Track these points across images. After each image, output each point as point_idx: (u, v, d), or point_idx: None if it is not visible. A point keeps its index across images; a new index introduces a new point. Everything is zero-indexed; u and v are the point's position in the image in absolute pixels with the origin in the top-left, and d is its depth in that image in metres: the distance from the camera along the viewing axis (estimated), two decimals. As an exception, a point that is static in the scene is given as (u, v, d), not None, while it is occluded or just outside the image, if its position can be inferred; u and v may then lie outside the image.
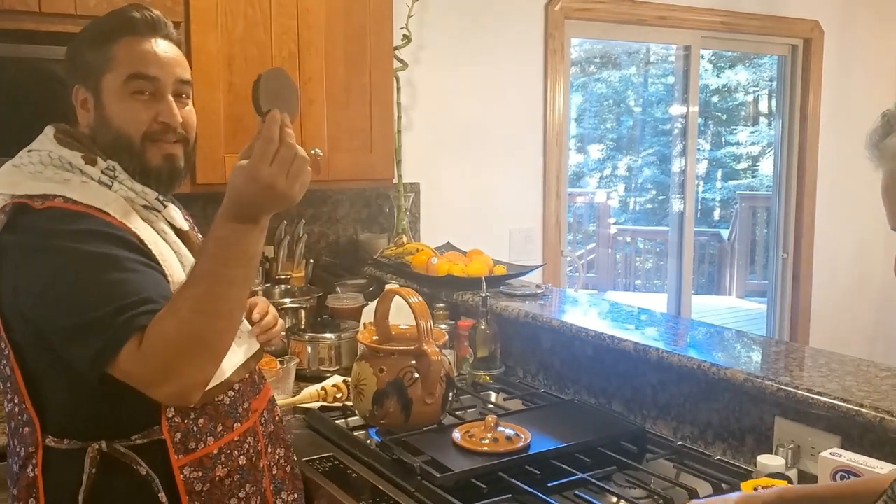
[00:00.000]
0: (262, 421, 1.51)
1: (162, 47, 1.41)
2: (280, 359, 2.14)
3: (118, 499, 1.33)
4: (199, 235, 1.53)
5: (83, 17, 2.07)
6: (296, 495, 1.58)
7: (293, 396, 2.08)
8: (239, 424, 1.44)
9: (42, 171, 1.34)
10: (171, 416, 1.34)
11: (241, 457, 1.44)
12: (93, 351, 1.20)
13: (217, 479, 1.40)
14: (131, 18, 1.40)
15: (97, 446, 1.32)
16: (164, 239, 1.39)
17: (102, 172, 1.37)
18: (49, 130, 1.41)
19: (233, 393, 1.43)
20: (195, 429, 1.37)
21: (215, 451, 1.40)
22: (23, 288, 1.28)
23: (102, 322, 1.20)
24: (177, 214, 1.46)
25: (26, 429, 1.34)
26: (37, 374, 1.33)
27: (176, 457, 1.35)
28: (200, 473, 1.37)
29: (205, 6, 2.25)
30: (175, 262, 1.36)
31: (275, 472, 1.53)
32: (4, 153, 1.51)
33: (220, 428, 1.41)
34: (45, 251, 1.26)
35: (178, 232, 1.44)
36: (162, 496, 1.33)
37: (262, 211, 1.24)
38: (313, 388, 2.07)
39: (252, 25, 2.33)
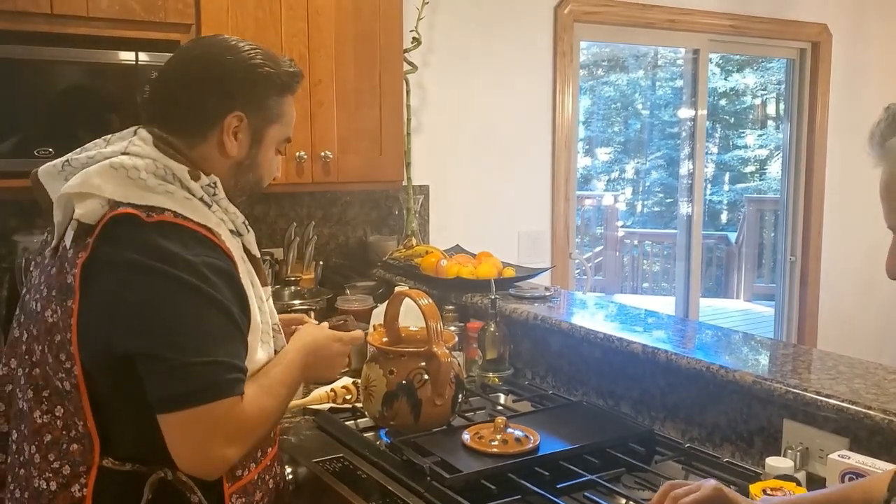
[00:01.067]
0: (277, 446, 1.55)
1: None
2: (290, 360, 2.14)
3: None
4: None
5: (95, 20, 2.09)
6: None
7: (303, 398, 2.08)
8: (270, 449, 1.48)
9: (146, 179, 1.29)
10: None
11: (270, 480, 1.47)
12: (181, 391, 1.20)
13: (255, 502, 1.42)
14: (301, 78, 1.48)
15: (161, 473, 1.28)
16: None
17: (203, 189, 1.35)
18: (146, 135, 1.35)
19: None
20: (242, 457, 1.36)
21: (255, 478, 1.41)
22: (123, 305, 1.23)
23: (204, 369, 1.21)
24: (253, 240, 1.45)
25: (75, 446, 1.28)
26: (108, 396, 1.27)
27: (228, 485, 1.35)
28: (244, 500, 1.39)
29: (215, 8, 2.26)
30: (253, 297, 1.35)
31: (272, 486, 1.54)
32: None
33: (259, 454, 1.43)
34: (160, 276, 1.22)
35: (251, 259, 1.42)
36: None
37: (307, 365, 1.46)
38: (323, 390, 2.08)
39: (262, 28, 2.34)
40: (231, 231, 1.38)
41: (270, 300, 1.47)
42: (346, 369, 2.04)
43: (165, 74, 1.43)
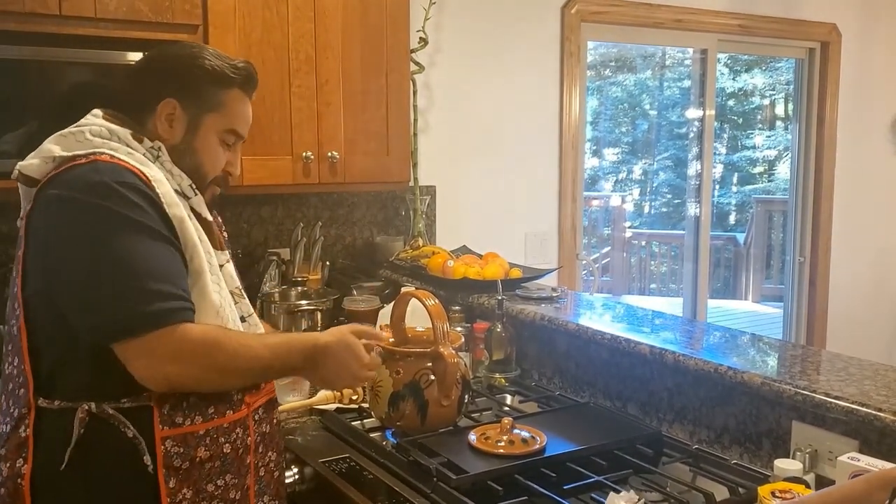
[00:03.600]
0: (257, 418, 1.52)
1: (250, 110, 1.59)
2: (296, 360, 2.14)
3: (104, 459, 1.36)
4: (225, 234, 1.62)
5: (103, 21, 2.10)
6: (277, 502, 1.59)
7: (309, 398, 2.09)
8: (231, 412, 1.46)
9: (91, 139, 1.41)
10: None
11: (227, 445, 1.45)
12: (119, 320, 1.29)
13: (198, 459, 1.40)
14: (250, 76, 1.57)
15: (87, 407, 1.34)
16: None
17: (147, 150, 1.45)
18: (97, 111, 1.48)
19: None
20: (185, 404, 1.39)
21: (201, 432, 1.41)
22: (55, 242, 1.33)
23: (138, 296, 1.29)
24: (203, 204, 1.52)
25: (21, 390, 1.38)
26: (38, 333, 1.37)
27: (160, 427, 1.37)
28: (182, 450, 1.39)
29: (223, 9, 2.26)
30: (196, 243, 1.43)
31: (262, 473, 1.53)
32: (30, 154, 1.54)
33: (210, 410, 1.43)
34: (87, 208, 1.32)
35: (202, 221, 1.49)
36: (147, 459, 1.36)
37: (316, 363, 1.49)
38: (329, 391, 2.08)
39: (269, 29, 2.34)
40: (176, 191, 1.45)
41: (230, 264, 1.55)
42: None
43: (131, 67, 1.61)
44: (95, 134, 1.42)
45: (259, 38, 2.33)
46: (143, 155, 1.43)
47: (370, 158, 2.55)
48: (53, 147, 1.41)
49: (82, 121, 1.46)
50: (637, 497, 1.42)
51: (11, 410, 1.39)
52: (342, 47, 2.46)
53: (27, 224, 1.38)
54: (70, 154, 1.39)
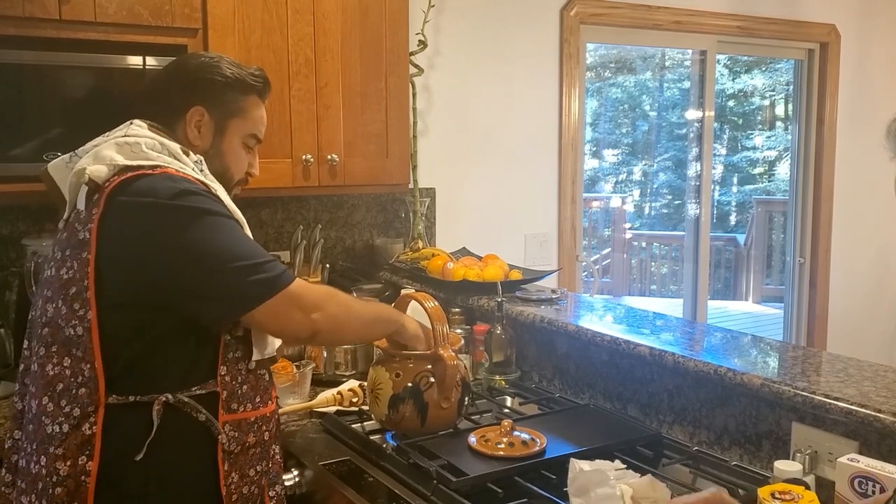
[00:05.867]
0: (276, 409, 1.64)
1: (265, 115, 1.73)
2: (296, 363, 2.15)
3: (181, 444, 1.44)
4: None
5: (103, 25, 2.10)
6: (283, 494, 1.67)
7: (309, 401, 2.09)
8: (270, 403, 1.59)
9: (147, 152, 1.49)
10: (223, 373, 1.48)
11: (266, 433, 1.56)
12: (250, 289, 1.42)
13: (246, 445, 1.51)
14: (266, 83, 1.71)
15: (164, 399, 1.42)
16: None
17: (194, 164, 1.54)
18: (141, 123, 1.56)
19: (268, 374, 1.59)
20: (239, 392, 1.51)
21: (251, 419, 1.52)
22: (146, 246, 1.41)
23: (261, 267, 1.43)
24: (237, 210, 1.60)
25: (83, 390, 1.41)
26: (116, 335, 1.41)
27: (222, 412, 1.47)
28: (237, 434, 1.49)
29: (222, 13, 2.27)
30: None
31: (270, 465, 1.61)
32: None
33: (257, 399, 1.54)
34: (175, 211, 1.41)
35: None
36: (222, 437, 1.45)
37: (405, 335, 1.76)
38: (329, 393, 2.08)
39: (269, 32, 2.35)
40: None
41: None
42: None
43: (153, 77, 1.74)
44: (150, 147, 1.50)
45: (258, 41, 2.33)
46: (192, 169, 1.52)
47: (370, 161, 2.55)
48: (116, 156, 1.47)
49: (129, 132, 1.52)
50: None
51: (68, 410, 1.41)
52: (341, 50, 2.47)
53: (100, 229, 1.42)
54: (135, 163, 1.46)
